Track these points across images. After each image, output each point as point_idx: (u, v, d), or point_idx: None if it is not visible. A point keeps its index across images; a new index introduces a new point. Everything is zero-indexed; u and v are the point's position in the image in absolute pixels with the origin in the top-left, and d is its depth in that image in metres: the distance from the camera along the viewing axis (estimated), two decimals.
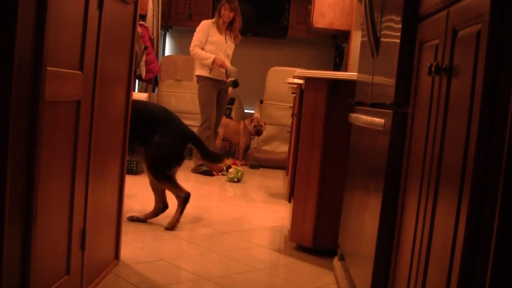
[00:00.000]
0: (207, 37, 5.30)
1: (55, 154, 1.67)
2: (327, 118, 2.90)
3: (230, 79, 5.29)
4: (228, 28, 5.39)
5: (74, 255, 1.91)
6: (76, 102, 1.80)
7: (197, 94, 5.29)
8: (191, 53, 5.33)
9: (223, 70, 5.26)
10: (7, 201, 1.28)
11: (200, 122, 5.39)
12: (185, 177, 5.15)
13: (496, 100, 1.12)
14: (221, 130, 6.22)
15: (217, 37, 5.32)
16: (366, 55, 2.38)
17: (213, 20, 5.40)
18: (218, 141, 6.24)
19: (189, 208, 4.05)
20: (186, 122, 6.69)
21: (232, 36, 5.44)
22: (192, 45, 5.30)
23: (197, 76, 5.40)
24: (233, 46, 5.49)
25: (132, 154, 3.27)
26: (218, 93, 5.43)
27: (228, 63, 5.41)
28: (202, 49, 5.30)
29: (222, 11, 5.31)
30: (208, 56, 5.22)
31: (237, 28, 5.43)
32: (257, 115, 6.69)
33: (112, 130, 2.31)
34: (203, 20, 5.57)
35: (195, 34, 5.35)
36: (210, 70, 5.27)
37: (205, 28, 5.31)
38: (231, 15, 5.31)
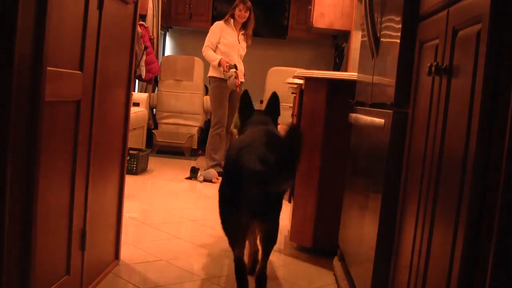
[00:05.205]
0: (220, 38, 5.31)
1: (55, 154, 1.67)
2: (327, 118, 2.90)
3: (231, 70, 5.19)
4: (241, 29, 5.40)
5: (74, 255, 1.91)
6: (76, 102, 1.80)
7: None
8: (203, 54, 5.36)
9: (228, 71, 5.21)
10: (7, 202, 1.28)
11: (212, 123, 5.37)
12: (184, 176, 5.16)
13: (496, 100, 1.12)
14: None
15: (231, 38, 5.33)
16: (366, 55, 2.38)
17: (226, 21, 5.37)
18: None
19: (189, 208, 4.06)
20: (186, 122, 6.77)
21: (245, 37, 5.45)
22: (203, 46, 5.34)
23: (210, 77, 5.39)
24: (245, 46, 5.49)
25: None
26: (231, 94, 5.41)
27: (241, 64, 5.40)
28: (214, 50, 5.31)
29: (237, 12, 5.31)
30: (215, 57, 5.24)
31: (251, 28, 5.44)
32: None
33: (112, 130, 2.31)
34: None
35: (207, 35, 5.37)
36: (224, 71, 5.25)
37: (217, 30, 5.33)
38: (246, 14, 5.32)
